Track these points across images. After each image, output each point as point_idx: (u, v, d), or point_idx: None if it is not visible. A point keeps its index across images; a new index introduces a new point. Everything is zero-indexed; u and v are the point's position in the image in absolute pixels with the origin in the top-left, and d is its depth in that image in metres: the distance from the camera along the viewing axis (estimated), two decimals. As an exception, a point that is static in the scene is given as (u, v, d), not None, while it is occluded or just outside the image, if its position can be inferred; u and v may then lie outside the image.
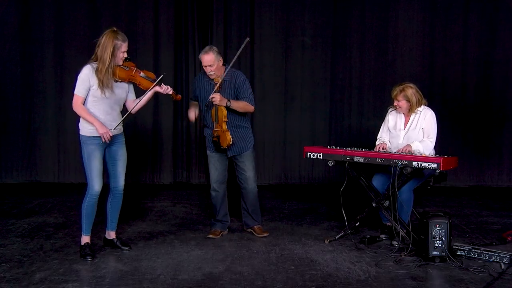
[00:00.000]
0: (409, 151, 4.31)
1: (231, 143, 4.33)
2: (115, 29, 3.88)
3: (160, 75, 4.03)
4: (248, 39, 4.44)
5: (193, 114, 4.55)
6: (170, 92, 4.08)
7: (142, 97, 4.05)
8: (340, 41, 7.24)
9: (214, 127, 4.37)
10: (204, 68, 4.40)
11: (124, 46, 3.86)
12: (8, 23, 7.00)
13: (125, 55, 3.91)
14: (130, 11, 7.13)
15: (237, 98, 4.41)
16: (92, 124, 3.85)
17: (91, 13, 7.08)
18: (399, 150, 4.40)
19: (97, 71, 3.81)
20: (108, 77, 3.83)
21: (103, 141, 3.85)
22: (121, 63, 3.92)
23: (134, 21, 7.11)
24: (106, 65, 3.80)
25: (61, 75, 7.08)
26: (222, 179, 4.61)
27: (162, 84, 4.06)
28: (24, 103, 7.13)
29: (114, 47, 3.81)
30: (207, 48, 4.40)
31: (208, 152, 4.61)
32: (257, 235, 4.58)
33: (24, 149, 7.17)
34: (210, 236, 4.59)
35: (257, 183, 4.67)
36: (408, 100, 4.51)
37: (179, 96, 4.23)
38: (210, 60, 4.32)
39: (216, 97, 4.23)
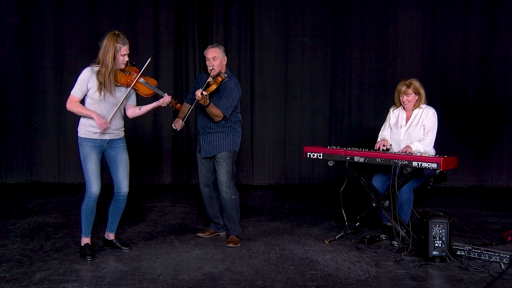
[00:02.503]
0: (409, 152, 4.31)
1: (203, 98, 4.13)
2: (116, 32, 3.86)
3: (145, 62, 3.94)
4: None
5: (178, 124, 4.40)
6: (169, 100, 4.01)
7: (140, 107, 4.06)
8: (340, 41, 7.24)
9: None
10: (207, 62, 4.38)
11: (123, 49, 3.84)
12: (8, 23, 7.01)
13: (126, 58, 3.88)
14: (130, 11, 7.13)
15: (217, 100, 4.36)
16: (90, 117, 3.81)
17: (91, 13, 7.09)
18: (399, 151, 4.40)
19: (99, 74, 3.81)
20: (111, 81, 3.82)
21: (100, 131, 3.78)
22: (122, 66, 3.90)
23: (134, 21, 7.12)
24: (109, 69, 3.79)
25: (61, 75, 7.09)
26: (205, 182, 4.56)
27: (164, 96, 3.99)
28: (24, 103, 7.13)
29: (114, 50, 3.80)
30: (214, 44, 4.45)
31: (196, 153, 4.60)
32: (226, 244, 4.36)
33: (24, 149, 7.17)
34: (199, 234, 4.62)
35: (233, 190, 4.40)
36: (417, 93, 4.53)
37: (178, 105, 4.18)
38: (215, 53, 4.33)
39: (197, 93, 4.12)
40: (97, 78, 3.81)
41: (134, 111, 4.08)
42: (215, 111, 4.28)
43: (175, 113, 7.12)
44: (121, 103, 3.91)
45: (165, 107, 4.24)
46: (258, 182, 7.33)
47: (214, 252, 4.15)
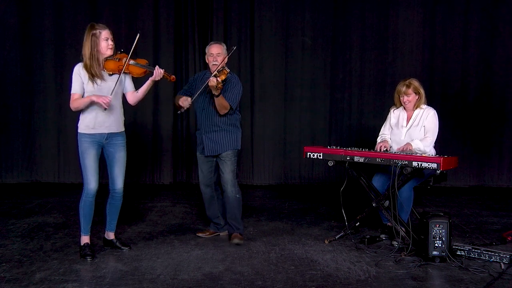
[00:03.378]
0: (409, 149, 4.31)
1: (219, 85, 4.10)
2: (93, 23, 3.89)
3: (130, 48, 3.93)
4: (234, 47, 4.22)
5: (186, 102, 4.26)
6: (162, 73, 3.95)
7: (139, 89, 4.05)
8: (340, 41, 7.24)
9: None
10: (210, 57, 4.36)
11: (104, 33, 3.85)
12: (8, 23, 7.00)
13: (110, 42, 3.88)
14: (130, 11, 7.13)
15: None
16: (90, 102, 3.80)
17: (91, 13, 7.08)
18: (399, 149, 4.40)
19: (85, 65, 3.84)
20: (95, 66, 3.83)
21: (104, 107, 3.77)
22: (109, 52, 3.90)
23: (134, 21, 7.12)
24: (88, 56, 3.81)
25: (61, 75, 7.08)
26: (207, 182, 4.54)
27: (155, 69, 3.95)
28: (24, 103, 7.13)
29: (93, 36, 3.82)
30: (217, 41, 4.49)
31: (197, 153, 4.57)
32: (230, 241, 4.38)
33: (24, 149, 7.17)
34: (199, 234, 4.62)
35: (237, 188, 4.43)
36: (417, 92, 4.53)
37: (173, 76, 4.10)
38: (220, 49, 4.35)
39: (213, 80, 4.06)
40: (86, 69, 3.83)
41: (133, 96, 4.07)
42: (224, 103, 4.26)
43: (176, 114, 7.20)
44: (115, 87, 3.86)
45: (168, 95, 4.21)
46: (258, 182, 7.33)
47: (214, 252, 4.15)
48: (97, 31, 3.83)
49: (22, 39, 7.05)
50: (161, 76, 3.98)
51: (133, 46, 3.93)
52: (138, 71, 3.99)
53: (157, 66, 3.99)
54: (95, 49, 3.83)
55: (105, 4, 7.10)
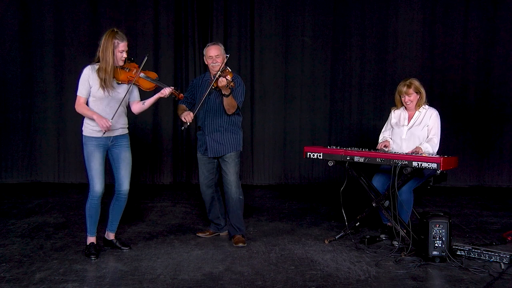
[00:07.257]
0: (420, 153, 4.28)
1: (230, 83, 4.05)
2: (115, 29, 3.89)
3: (144, 59, 3.94)
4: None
5: (189, 117, 4.22)
6: (171, 91, 3.98)
7: (144, 101, 4.07)
8: (340, 41, 7.24)
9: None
10: (209, 60, 4.34)
11: (122, 46, 3.86)
12: (8, 23, 7.00)
13: (124, 55, 3.89)
14: (130, 11, 7.14)
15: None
16: (92, 118, 3.83)
17: (91, 13, 7.09)
18: (409, 152, 4.37)
19: (100, 71, 3.83)
20: (111, 77, 3.84)
21: (104, 131, 3.80)
22: (121, 63, 3.91)
23: (134, 21, 7.12)
24: (110, 64, 3.82)
25: (61, 75, 7.09)
26: (208, 183, 4.53)
27: (165, 88, 3.97)
28: (24, 103, 7.13)
29: (113, 45, 3.83)
30: (213, 43, 4.46)
31: (197, 154, 4.56)
32: (234, 244, 4.34)
33: (24, 149, 7.17)
34: (199, 234, 4.61)
35: (241, 190, 4.42)
36: (418, 92, 4.53)
37: (181, 95, 4.16)
38: (218, 50, 4.33)
39: (222, 80, 4.00)
40: (98, 76, 3.83)
41: (138, 107, 4.09)
42: (233, 102, 4.26)
43: (176, 115, 7.15)
44: (123, 100, 3.91)
45: (169, 99, 4.25)
46: (258, 182, 7.33)
47: (214, 252, 4.15)
48: (116, 41, 3.83)
49: (22, 39, 7.05)
50: (170, 94, 3.98)
51: (142, 63, 3.93)
52: (147, 86, 4.01)
53: (167, 86, 3.99)
54: (112, 59, 3.84)
55: (105, 4, 7.10)
